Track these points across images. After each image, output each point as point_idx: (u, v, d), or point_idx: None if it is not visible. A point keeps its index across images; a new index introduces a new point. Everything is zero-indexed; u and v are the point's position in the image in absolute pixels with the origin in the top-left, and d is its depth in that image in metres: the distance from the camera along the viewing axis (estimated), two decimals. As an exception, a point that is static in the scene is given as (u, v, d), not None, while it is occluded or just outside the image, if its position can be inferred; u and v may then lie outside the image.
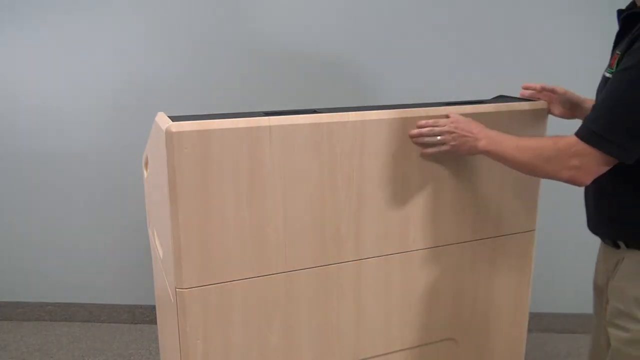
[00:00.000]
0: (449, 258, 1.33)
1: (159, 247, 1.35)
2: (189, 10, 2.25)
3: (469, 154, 1.21)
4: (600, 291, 1.20)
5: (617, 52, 1.06)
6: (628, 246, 1.08)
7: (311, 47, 2.22)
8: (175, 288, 1.09)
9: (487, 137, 1.14)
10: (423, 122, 1.20)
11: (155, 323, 2.41)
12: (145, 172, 1.49)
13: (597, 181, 1.06)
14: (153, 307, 2.48)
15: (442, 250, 1.31)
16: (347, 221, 1.18)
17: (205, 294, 1.10)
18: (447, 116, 1.21)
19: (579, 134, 1.01)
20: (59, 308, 2.54)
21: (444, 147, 1.19)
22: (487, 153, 1.15)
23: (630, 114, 0.95)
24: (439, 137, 1.19)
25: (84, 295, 2.54)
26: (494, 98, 1.51)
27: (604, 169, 1.01)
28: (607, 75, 1.08)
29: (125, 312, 2.53)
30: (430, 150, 1.21)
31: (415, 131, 1.20)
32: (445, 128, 1.18)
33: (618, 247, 1.11)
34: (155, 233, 1.41)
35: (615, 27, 1.15)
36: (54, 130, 2.37)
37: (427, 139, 1.20)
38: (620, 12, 1.13)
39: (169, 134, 1.01)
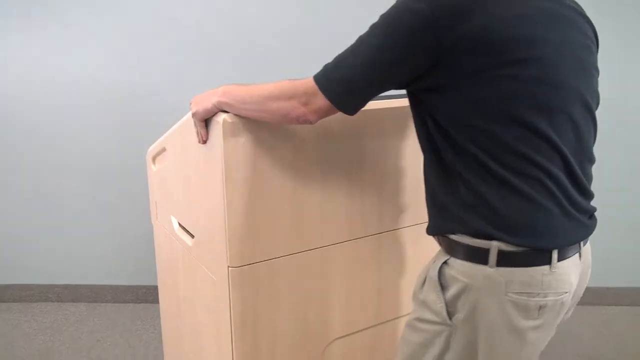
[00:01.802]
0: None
1: (184, 234, 1.41)
2: (192, 7, 2.36)
3: (212, 113, 1.12)
4: None
5: None
6: (440, 244, 1.06)
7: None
8: (228, 267, 1.16)
9: (223, 92, 1.07)
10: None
11: (157, 302, 2.58)
12: (152, 166, 1.55)
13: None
14: (155, 287, 2.63)
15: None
16: (370, 199, 1.29)
17: (254, 271, 1.19)
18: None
19: (316, 75, 0.98)
20: (66, 289, 2.68)
21: (196, 120, 1.15)
22: (223, 105, 1.08)
23: (348, 67, 0.94)
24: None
25: (90, 277, 2.68)
26: None
27: (329, 112, 0.98)
28: None
29: (129, 292, 2.67)
30: (195, 130, 1.18)
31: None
32: (190, 106, 1.16)
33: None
34: (176, 222, 1.47)
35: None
36: (57, 118, 2.49)
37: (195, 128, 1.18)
38: None
39: (225, 124, 1.08)
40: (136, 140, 2.49)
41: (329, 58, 0.99)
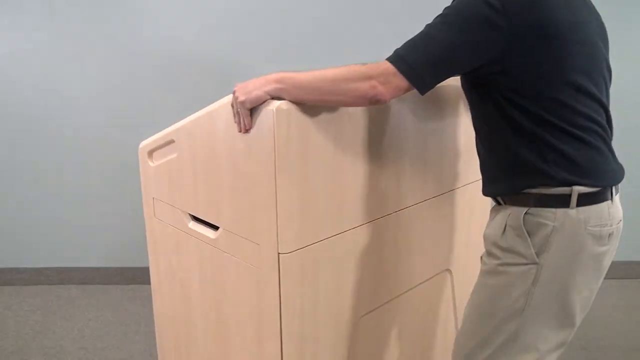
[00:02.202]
0: (451, 201, 1.60)
1: (202, 227, 1.40)
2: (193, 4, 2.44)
3: (262, 101, 1.13)
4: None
5: None
6: (505, 202, 1.22)
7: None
8: (279, 254, 1.18)
9: (277, 79, 1.11)
10: (231, 103, 1.18)
11: (145, 283, 2.66)
12: (149, 161, 1.50)
13: (476, 145, 1.25)
14: (143, 269, 2.72)
15: (445, 197, 1.57)
16: (387, 180, 1.38)
17: (301, 255, 1.21)
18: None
19: (389, 57, 1.08)
20: (56, 272, 2.77)
21: (242, 109, 1.14)
22: (280, 91, 1.11)
23: (426, 51, 1.06)
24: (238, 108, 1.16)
25: (79, 260, 2.77)
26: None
27: (403, 92, 1.08)
28: None
29: (117, 274, 2.77)
30: (236, 120, 1.18)
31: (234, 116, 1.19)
32: (234, 95, 1.16)
33: (500, 202, 1.24)
34: (188, 216, 1.44)
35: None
36: (53, 108, 2.57)
37: (236, 118, 1.18)
38: None
39: (280, 111, 1.09)
40: (124, 132, 2.58)
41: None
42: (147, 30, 2.46)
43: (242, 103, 1.12)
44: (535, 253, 1.13)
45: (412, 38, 1.08)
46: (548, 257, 1.13)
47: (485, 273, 1.23)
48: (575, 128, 1.11)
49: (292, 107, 1.11)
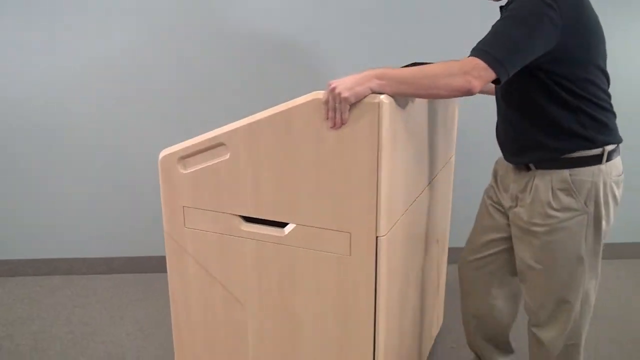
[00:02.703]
0: (441, 180, 1.86)
1: (261, 228, 1.42)
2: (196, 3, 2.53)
3: (363, 97, 1.22)
4: (499, 204, 1.66)
5: None
6: (537, 167, 1.47)
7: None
8: (376, 237, 1.28)
9: (378, 75, 1.21)
10: (324, 100, 1.24)
11: (130, 272, 2.82)
12: (179, 168, 1.45)
13: (507, 120, 1.51)
14: (128, 259, 2.83)
15: (445, 167, 1.86)
16: (422, 160, 1.58)
17: (390, 235, 1.33)
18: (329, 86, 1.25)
19: (475, 53, 1.25)
20: (41, 263, 2.81)
21: (344, 105, 1.21)
22: (383, 86, 1.21)
23: (507, 47, 1.27)
24: (337, 105, 1.23)
25: (65, 251, 2.82)
26: (408, 65, 1.90)
27: (487, 83, 1.26)
28: None
29: (103, 264, 2.84)
30: (330, 116, 1.24)
31: (326, 113, 1.25)
32: (335, 91, 1.21)
33: (529, 169, 1.49)
34: (240, 218, 1.44)
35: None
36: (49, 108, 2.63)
37: (332, 113, 1.24)
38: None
39: (384, 105, 1.19)
40: (103, 130, 2.66)
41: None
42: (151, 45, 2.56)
43: (346, 99, 1.19)
44: (584, 203, 1.43)
45: (490, 37, 1.29)
46: (591, 205, 1.44)
47: (545, 233, 1.48)
48: (600, 100, 1.42)
49: (391, 100, 1.22)
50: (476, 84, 1.22)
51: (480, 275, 1.74)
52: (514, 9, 1.31)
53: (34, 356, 2.16)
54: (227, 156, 1.38)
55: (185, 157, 1.44)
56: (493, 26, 1.32)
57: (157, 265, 2.79)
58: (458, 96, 1.26)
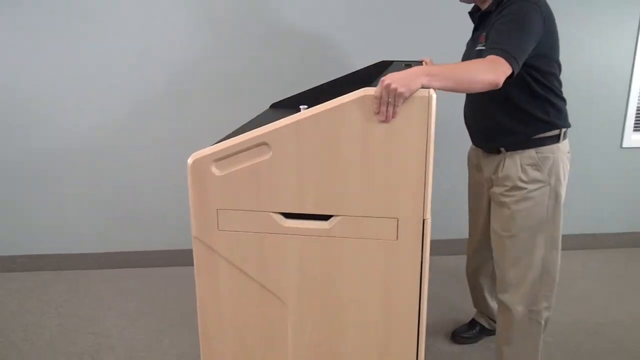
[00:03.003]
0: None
1: (303, 223, 1.43)
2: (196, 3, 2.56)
3: (416, 90, 1.27)
4: (480, 186, 1.90)
5: (483, 32, 1.67)
6: (507, 150, 1.71)
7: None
8: (423, 219, 1.37)
9: (426, 72, 1.29)
10: (377, 95, 1.28)
11: (121, 267, 2.85)
12: (215, 171, 1.44)
13: (477, 106, 1.73)
14: (118, 253, 2.85)
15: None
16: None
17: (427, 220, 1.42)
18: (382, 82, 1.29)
19: (495, 52, 1.43)
20: (29, 259, 2.79)
21: (399, 99, 1.26)
22: (433, 82, 1.28)
23: (520, 47, 1.48)
24: (390, 99, 1.27)
25: (53, 247, 2.80)
26: (375, 63, 1.99)
27: (507, 76, 1.44)
28: (480, 47, 1.65)
29: (93, 259, 2.84)
30: (382, 110, 1.29)
31: (378, 107, 1.29)
32: (390, 87, 1.25)
33: (499, 152, 1.73)
34: (279, 216, 1.45)
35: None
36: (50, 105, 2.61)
37: (384, 108, 1.29)
38: (471, 14, 1.81)
39: (432, 99, 1.29)
40: (100, 125, 2.69)
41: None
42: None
43: (402, 94, 1.25)
44: (547, 175, 1.67)
45: (503, 37, 1.49)
46: (552, 177, 1.68)
47: (514, 202, 1.71)
48: (558, 91, 1.69)
49: (436, 95, 1.31)
50: (502, 79, 1.41)
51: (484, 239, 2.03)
52: (513, 12, 1.53)
53: (24, 347, 2.16)
54: (269, 155, 1.39)
55: (221, 159, 1.42)
56: (499, 28, 1.53)
57: (144, 259, 2.83)
58: (487, 89, 1.40)
